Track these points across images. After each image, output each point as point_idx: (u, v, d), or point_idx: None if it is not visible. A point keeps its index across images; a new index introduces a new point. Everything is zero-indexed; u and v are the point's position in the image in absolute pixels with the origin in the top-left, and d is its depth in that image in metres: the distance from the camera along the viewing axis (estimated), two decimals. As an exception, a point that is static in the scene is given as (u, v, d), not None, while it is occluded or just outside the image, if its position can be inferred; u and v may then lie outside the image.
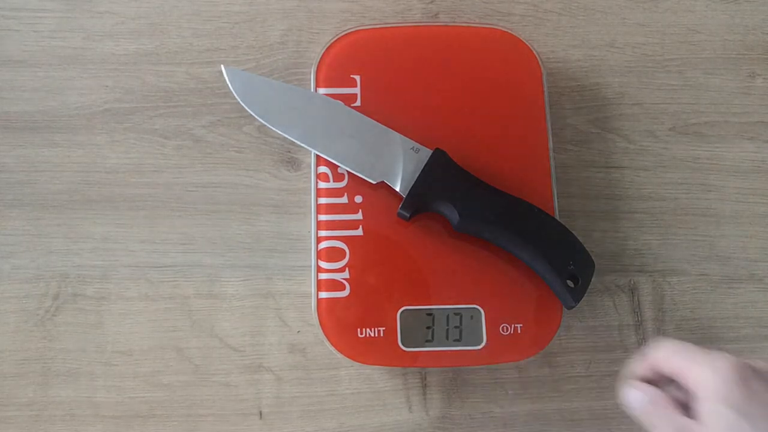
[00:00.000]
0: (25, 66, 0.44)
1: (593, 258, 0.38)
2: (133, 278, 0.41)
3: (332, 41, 0.42)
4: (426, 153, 0.39)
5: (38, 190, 0.42)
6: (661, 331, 0.42)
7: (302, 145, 0.40)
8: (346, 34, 0.43)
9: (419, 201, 0.39)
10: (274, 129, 0.40)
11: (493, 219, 0.38)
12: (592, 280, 0.38)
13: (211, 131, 0.44)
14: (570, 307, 0.38)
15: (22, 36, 0.44)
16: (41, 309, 0.41)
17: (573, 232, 0.38)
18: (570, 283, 0.37)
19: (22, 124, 0.43)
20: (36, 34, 0.44)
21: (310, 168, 0.41)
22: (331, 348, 0.38)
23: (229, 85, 0.40)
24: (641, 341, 0.42)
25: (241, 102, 0.40)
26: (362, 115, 0.40)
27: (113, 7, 0.45)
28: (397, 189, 0.39)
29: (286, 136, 0.40)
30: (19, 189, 0.42)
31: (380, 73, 0.42)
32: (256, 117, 0.40)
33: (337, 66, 0.42)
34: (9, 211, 0.42)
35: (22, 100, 0.43)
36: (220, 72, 0.41)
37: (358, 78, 0.42)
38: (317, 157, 0.40)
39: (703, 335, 0.43)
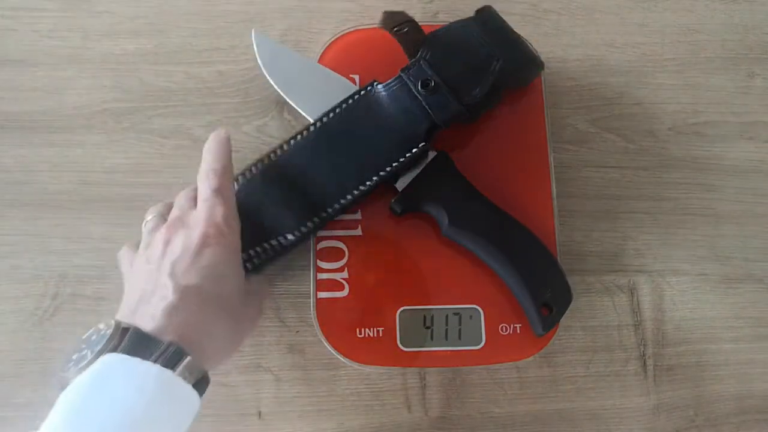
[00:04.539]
0: (23, 66, 0.44)
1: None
2: (131, 278, 0.41)
3: (331, 41, 0.42)
4: (430, 154, 0.39)
5: (37, 189, 0.42)
6: (661, 332, 0.42)
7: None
8: (345, 34, 0.43)
9: (413, 200, 0.38)
10: (290, 102, 0.40)
11: (481, 231, 0.38)
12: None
13: (209, 131, 0.43)
14: (538, 335, 0.38)
15: (20, 36, 0.44)
16: (39, 309, 0.41)
17: (557, 261, 0.38)
18: (544, 311, 0.37)
19: (20, 124, 0.43)
20: (34, 33, 0.44)
21: (309, 168, 0.41)
22: (330, 348, 0.38)
23: (256, 52, 0.40)
24: (640, 341, 0.42)
25: (263, 70, 0.40)
26: None
27: (112, 7, 0.45)
28: (398, 187, 0.39)
29: (301, 111, 0.40)
30: (17, 189, 0.42)
31: (379, 72, 0.41)
32: (275, 87, 0.40)
33: (336, 65, 0.42)
34: (7, 210, 0.42)
35: (21, 99, 0.43)
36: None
37: (357, 78, 0.42)
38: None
39: (702, 335, 0.43)
